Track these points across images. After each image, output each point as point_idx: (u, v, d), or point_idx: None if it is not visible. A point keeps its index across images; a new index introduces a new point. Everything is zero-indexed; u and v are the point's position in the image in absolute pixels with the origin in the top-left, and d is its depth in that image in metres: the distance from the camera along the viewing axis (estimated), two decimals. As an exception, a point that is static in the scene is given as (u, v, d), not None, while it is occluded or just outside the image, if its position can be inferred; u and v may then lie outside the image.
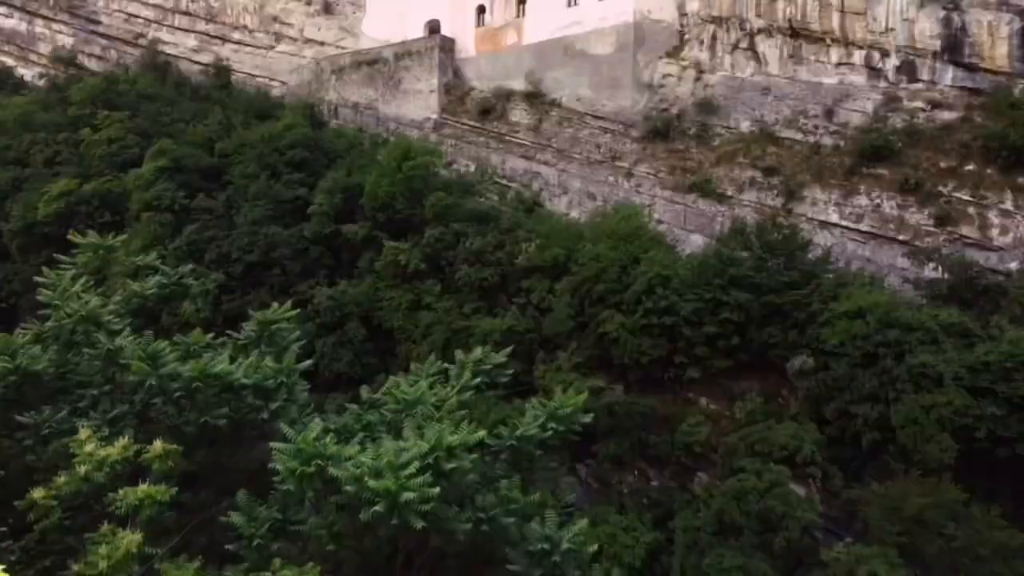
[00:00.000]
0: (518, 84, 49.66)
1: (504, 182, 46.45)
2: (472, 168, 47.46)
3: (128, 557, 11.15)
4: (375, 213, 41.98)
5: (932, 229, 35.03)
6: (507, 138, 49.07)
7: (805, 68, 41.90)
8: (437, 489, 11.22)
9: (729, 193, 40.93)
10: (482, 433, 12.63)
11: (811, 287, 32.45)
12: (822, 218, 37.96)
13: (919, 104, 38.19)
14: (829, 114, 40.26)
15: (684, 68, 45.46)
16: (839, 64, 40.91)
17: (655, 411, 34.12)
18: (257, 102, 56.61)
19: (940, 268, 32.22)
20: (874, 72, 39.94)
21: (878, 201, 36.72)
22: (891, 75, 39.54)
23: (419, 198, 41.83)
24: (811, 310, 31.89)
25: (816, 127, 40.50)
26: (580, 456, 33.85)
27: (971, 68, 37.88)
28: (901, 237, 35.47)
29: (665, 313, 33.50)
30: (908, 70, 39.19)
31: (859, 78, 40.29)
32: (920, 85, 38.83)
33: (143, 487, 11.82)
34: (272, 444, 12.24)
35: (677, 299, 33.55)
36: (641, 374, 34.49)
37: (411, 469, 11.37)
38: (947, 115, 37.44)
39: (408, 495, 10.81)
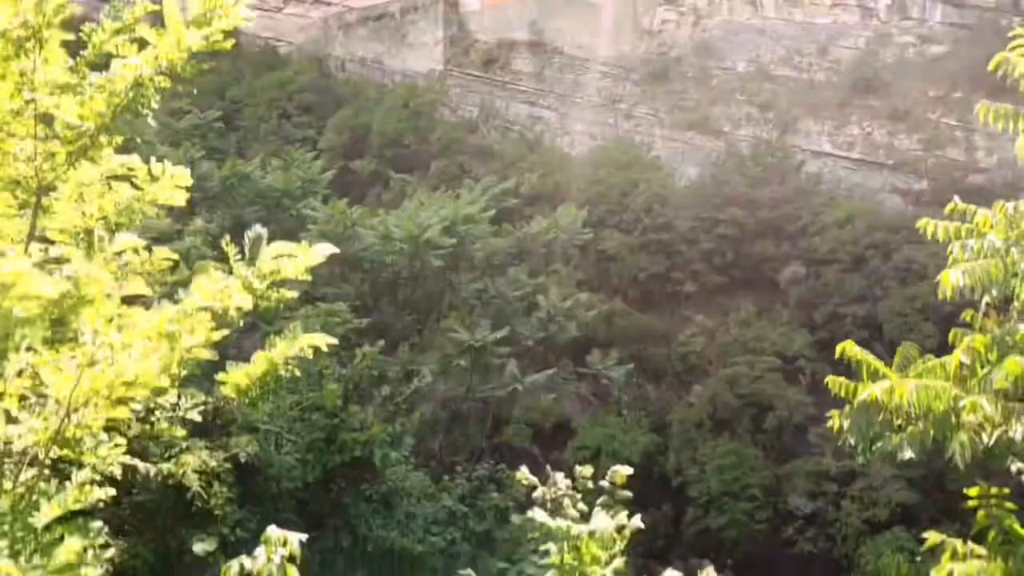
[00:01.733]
0: (521, 35, 50.93)
1: (508, 125, 47.80)
2: (476, 114, 48.81)
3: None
4: (382, 149, 43.37)
5: (920, 154, 36.30)
6: (510, 86, 50.35)
7: (800, 10, 43.20)
8: (453, 240, 12.53)
9: (726, 129, 42.19)
10: (494, 211, 13.94)
11: (803, 202, 33.80)
12: (815, 148, 39.20)
13: (910, 39, 39.51)
14: (823, 52, 41.57)
15: (683, 14, 46.76)
16: (833, 5, 42.20)
17: (653, 327, 35.44)
18: (267, 57, 57.95)
19: (925, 179, 33.59)
20: (866, 11, 41.24)
21: (869, 130, 38.00)
22: (883, 14, 40.85)
23: (425, 136, 43.29)
24: (803, 223, 33.24)
25: (810, 64, 41.82)
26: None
27: (959, 5, 39.20)
28: (891, 162, 36.76)
29: (663, 230, 34.85)
30: (899, 8, 40.49)
31: (852, 17, 41.61)
32: (911, 22, 40.17)
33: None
34: (305, 211, 13.56)
35: (675, 216, 34.92)
36: (639, 292, 35.78)
37: (430, 223, 12.67)
38: (936, 48, 38.76)
39: (428, 235, 12.10)
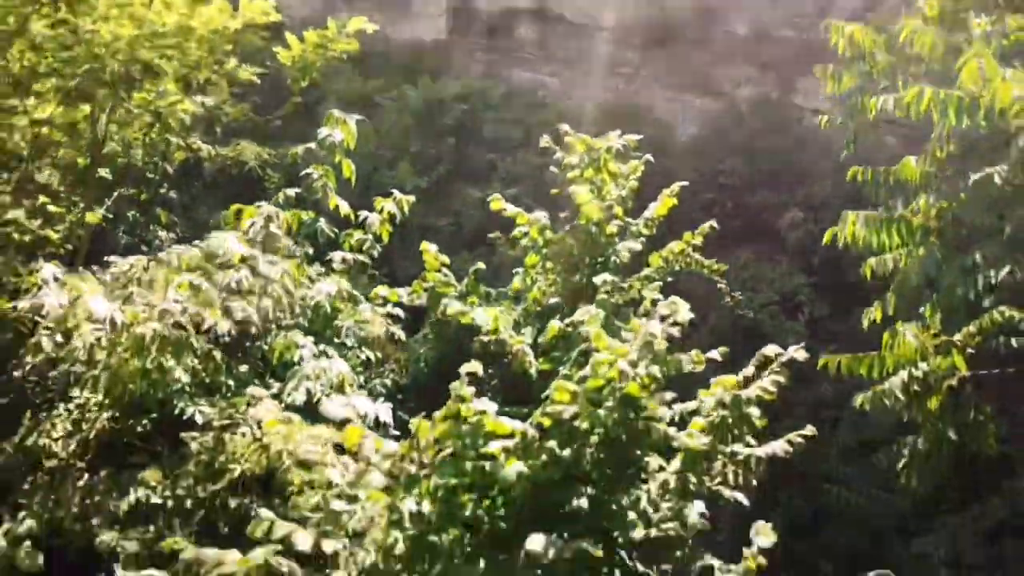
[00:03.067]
0: (524, 3, 51.44)
1: (511, 90, 48.33)
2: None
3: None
4: (386, 112, 43.93)
5: (918, 107, 36.83)
6: (514, 54, 50.87)
7: (800, -26, 43.72)
8: (466, 105, 13.06)
9: (726, 89, 42.75)
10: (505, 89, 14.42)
11: (801, 152, 34.31)
12: (813, 106, 39.71)
13: (907, -3, 40.11)
14: (822, 13, 42.06)
15: (684, -20, 47.25)
16: (832, -33, 42.76)
17: (653, 278, 35.98)
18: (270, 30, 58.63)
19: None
20: (866, -27, 41.80)
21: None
22: (882, -26, 41.41)
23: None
24: (801, 171, 33.73)
25: (811, 25, 42.31)
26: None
27: (957, -36, 39.77)
28: (889, 115, 37.28)
29: (663, 182, 35.33)
30: (898, -31, 41.06)
31: (851, -21, 42.16)
32: (909, -18, 40.75)
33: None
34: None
35: (675, 168, 35.36)
36: (640, 244, 36.31)
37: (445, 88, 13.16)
38: (934, 6, 39.34)
39: (442, 96, 12.61)
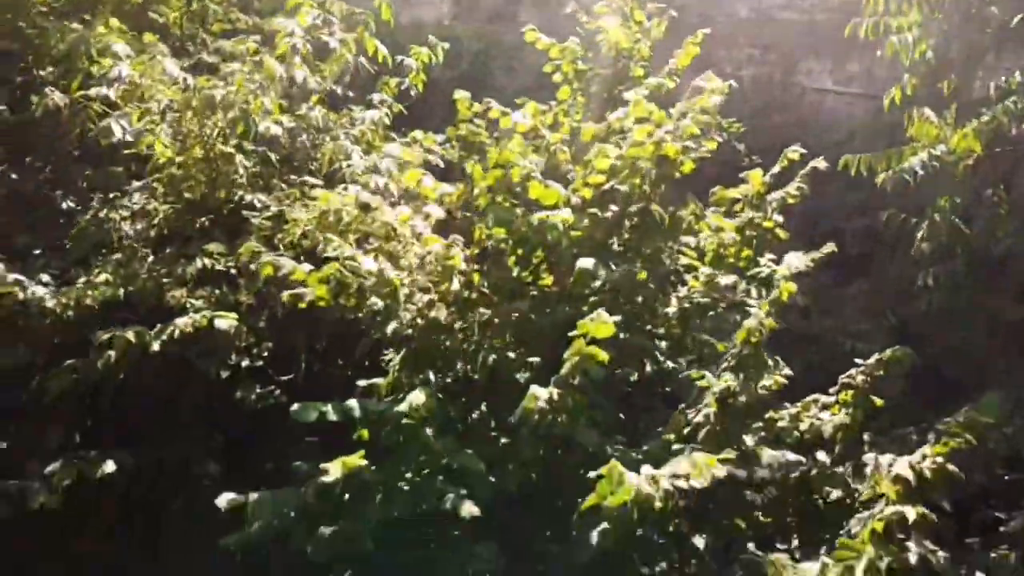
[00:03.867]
0: (527, -12, 51.99)
1: (513, 68, 48.88)
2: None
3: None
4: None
5: (919, 85, 37.29)
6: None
7: (801, -44, 44.23)
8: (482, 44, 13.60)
9: (728, 71, 43.11)
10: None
11: (804, 128, 34.79)
12: (816, 86, 40.11)
13: (909, -22, 40.56)
14: (823, -5, 42.60)
15: (686, -36, 47.80)
16: (834, -50, 43.28)
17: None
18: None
19: (924, 103, 34.57)
20: (867, -45, 42.30)
21: (868, 66, 38.97)
22: (883, -44, 41.89)
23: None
24: (805, 147, 34.20)
25: (812, 6, 42.78)
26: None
27: (959, -56, 40.18)
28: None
29: (667, 159, 35.92)
30: (899, -50, 41.48)
31: (853, -39, 42.68)
32: (911, -37, 41.22)
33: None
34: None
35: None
36: (643, 220, 36.79)
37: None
38: (935, -13, 39.80)
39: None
